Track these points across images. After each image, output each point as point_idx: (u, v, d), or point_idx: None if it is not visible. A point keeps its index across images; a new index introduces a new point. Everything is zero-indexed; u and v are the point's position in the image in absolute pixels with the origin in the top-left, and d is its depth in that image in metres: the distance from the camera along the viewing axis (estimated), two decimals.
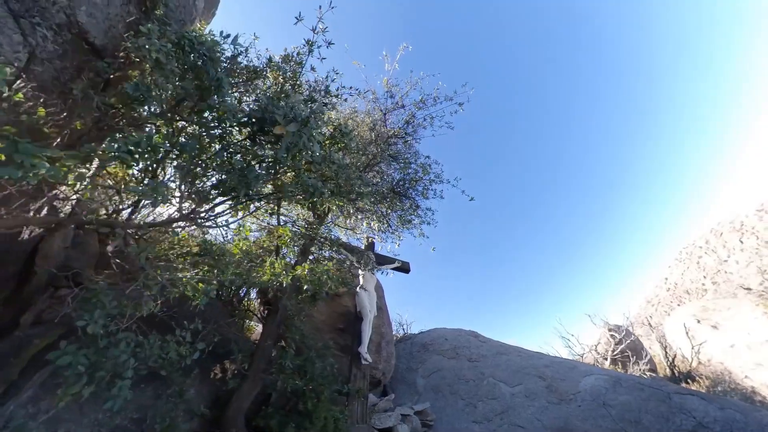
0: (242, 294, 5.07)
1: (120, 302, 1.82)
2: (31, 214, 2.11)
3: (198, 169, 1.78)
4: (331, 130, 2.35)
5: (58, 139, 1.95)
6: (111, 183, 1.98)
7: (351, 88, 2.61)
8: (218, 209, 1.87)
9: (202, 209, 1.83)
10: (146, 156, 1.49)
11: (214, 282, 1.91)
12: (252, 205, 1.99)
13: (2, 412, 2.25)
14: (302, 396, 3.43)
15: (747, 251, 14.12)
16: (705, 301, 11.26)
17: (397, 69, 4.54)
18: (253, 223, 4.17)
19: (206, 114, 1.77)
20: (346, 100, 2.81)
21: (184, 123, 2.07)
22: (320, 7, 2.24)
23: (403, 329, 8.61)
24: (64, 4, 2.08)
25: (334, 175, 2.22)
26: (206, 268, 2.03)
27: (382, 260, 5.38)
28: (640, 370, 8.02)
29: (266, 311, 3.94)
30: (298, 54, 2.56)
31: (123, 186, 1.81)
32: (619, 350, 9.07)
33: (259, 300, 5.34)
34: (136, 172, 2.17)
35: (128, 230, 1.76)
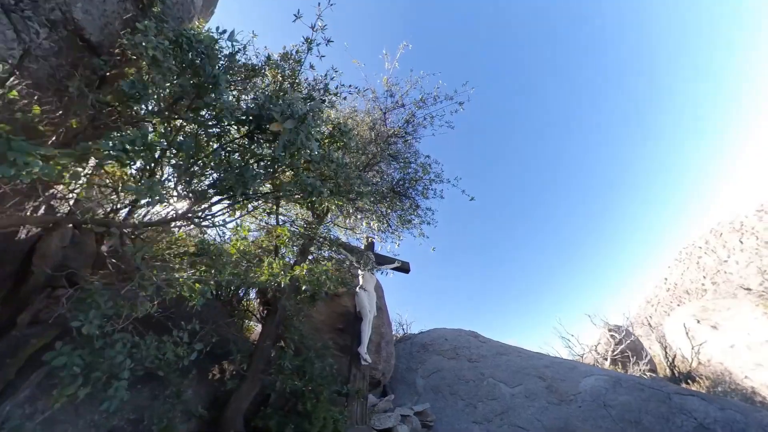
0: (241, 294, 5.04)
1: (116, 302, 1.80)
2: (28, 213, 2.09)
3: (195, 167, 1.75)
4: (330, 129, 2.33)
5: (54, 138, 1.93)
6: (108, 182, 1.95)
7: (350, 86, 2.59)
8: (215, 208, 1.85)
9: (199, 208, 1.80)
10: (142, 154, 1.47)
11: (212, 282, 1.89)
12: (250, 205, 1.97)
13: None
14: (301, 397, 3.41)
15: (747, 251, 14.12)
16: (705, 301, 11.25)
17: (397, 68, 4.52)
18: (252, 222, 4.15)
19: (204, 112, 1.75)
20: (345, 98, 2.79)
21: (182, 122, 2.05)
22: (319, 4, 2.21)
23: (403, 329, 8.60)
24: (59, 1, 2.05)
25: (333, 174, 2.19)
26: (203, 268, 2.00)
27: (382, 260, 5.36)
28: (640, 370, 8.01)
29: (265, 311, 3.92)
30: (297, 52, 2.54)
31: (120, 185, 1.79)
32: (619, 350, 9.06)
33: (258, 300, 5.32)
34: (134, 171, 2.15)
35: (124, 230, 1.73)
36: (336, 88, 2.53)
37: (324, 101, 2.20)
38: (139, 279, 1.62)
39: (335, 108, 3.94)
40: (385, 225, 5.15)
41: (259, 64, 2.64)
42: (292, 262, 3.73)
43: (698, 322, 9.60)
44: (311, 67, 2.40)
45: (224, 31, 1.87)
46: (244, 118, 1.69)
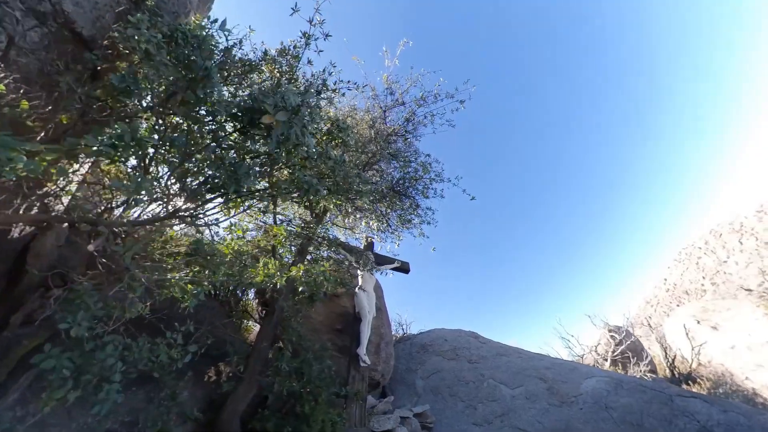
0: (240, 294, 4.99)
1: (106, 304, 1.74)
2: (21, 211, 2.03)
3: (188, 164, 1.70)
4: (328, 126, 2.27)
5: (42, 134, 1.87)
6: (97, 179, 1.89)
7: (349, 82, 2.54)
8: (208, 207, 1.79)
9: (192, 207, 1.75)
10: (131, 150, 1.41)
11: (205, 283, 1.84)
12: (244, 203, 1.91)
13: None
14: (299, 399, 3.36)
15: (746, 252, 14.12)
16: (705, 301, 11.22)
17: (397, 65, 4.46)
18: (250, 222, 4.09)
19: (197, 108, 1.69)
20: (344, 94, 2.73)
21: (178, 119, 1.99)
22: None
23: (403, 329, 8.54)
24: None
25: (331, 172, 2.13)
26: (197, 268, 1.95)
27: (382, 260, 5.30)
28: (640, 371, 7.97)
29: (264, 312, 3.86)
30: (294, 47, 2.48)
31: (106, 182, 1.73)
32: (619, 351, 9.03)
33: (257, 300, 5.26)
34: (129, 169, 2.09)
35: (114, 228, 1.67)
36: (335, 83, 2.47)
37: (320, 93, 2.14)
38: (128, 279, 1.56)
39: (333, 105, 3.88)
40: (385, 225, 5.09)
41: (256, 60, 2.59)
42: (290, 262, 3.67)
43: (698, 322, 9.57)
44: (309, 62, 2.35)
45: (215, 21, 1.81)
46: (236, 112, 1.62)
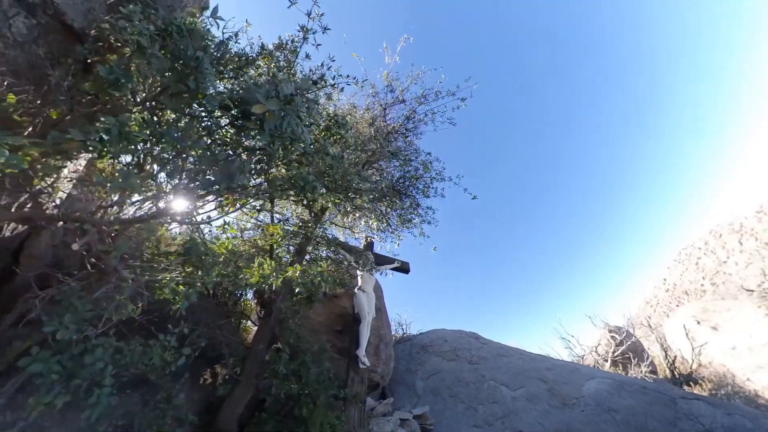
0: (239, 294, 4.92)
1: (96, 305, 1.68)
2: (13, 209, 1.96)
3: (178, 160, 1.63)
4: (327, 122, 2.21)
5: (30, 128, 1.80)
6: (86, 177, 1.82)
7: (348, 76, 2.47)
8: (203, 205, 1.73)
9: (183, 204, 1.68)
10: (120, 145, 1.35)
11: (198, 284, 1.77)
12: (238, 201, 1.85)
13: None
14: (297, 401, 3.29)
15: (746, 253, 14.10)
16: (705, 302, 11.19)
17: (397, 62, 4.39)
18: (248, 221, 4.03)
19: (188, 100, 1.62)
20: (342, 89, 2.67)
21: (168, 112, 1.92)
22: None
23: (402, 329, 8.49)
24: None
25: (329, 169, 2.07)
26: (190, 269, 1.88)
27: (382, 260, 5.24)
28: (641, 372, 7.93)
29: (262, 312, 3.80)
30: (292, 41, 2.41)
31: (94, 179, 1.66)
32: (619, 352, 8.99)
33: (255, 300, 5.20)
34: (123, 166, 2.02)
35: (104, 227, 1.61)
36: (333, 78, 2.41)
37: (316, 83, 2.07)
38: (116, 280, 1.50)
39: (332, 100, 3.81)
40: (385, 224, 5.03)
41: (253, 55, 2.52)
42: (288, 261, 3.61)
43: (698, 323, 9.53)
44: (307, 56, 2.28)
45: (206, 7, 1.74)
46: (228, 104, 1.56)
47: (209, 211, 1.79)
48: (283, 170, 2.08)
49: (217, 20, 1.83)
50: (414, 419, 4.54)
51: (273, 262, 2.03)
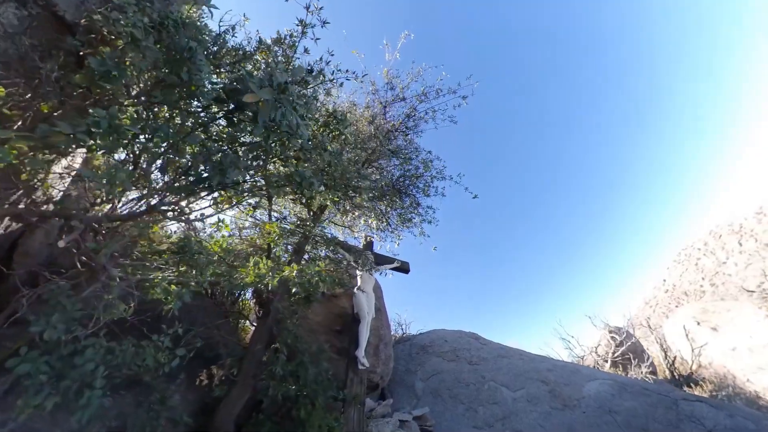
0: (237, 294, 4.86)
1: (87, 304, 1.63)
2: (6, 205, 1.91)
3: (171, 155, 1.58)
4: (325, 117, 2.16)
5: (20, 122, 1.75)
6: (72, 171, 1.77)
7: (347, 71, 2.42)
8: (196, 201, 1.68)
9: (174, 200, 1.63)
10: (109, 139, 1.29)
11: (192, 283, 1.72)
12: (233, 198, 1.80)
13: None
14: (295, 403, 3.24)
15: (746, 253, 14.10)
16: (704, 303, 11.16)
17: (398, 59, 4.34)
18: (246, 220, 3.97)
19: (180, 92, 1.56)
20: (341, 84, 2.62)
21: (167, 112, 1.86)
22: None
23: (402, 329, 8.44)
24: None
25: (328, 166, 2.02)
26: (184, 267, 1.83)
27: (381, 260, 5.19)
28: (642, 373, 7.89)
29: (261, 312, 3.75)
30: (291, 36, 2.36)
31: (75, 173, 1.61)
32: (619, 352, 8.95)
33: (254, 300, 5.14)
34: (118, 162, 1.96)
35: (94, 224, 1.55)
36: (332, 73, 2.36)
37: (312, 71, 2.02)
38: (105, 279, 1.44)
39: (331, 95, 3.76)
40: (385, 223, 4.98)
41: (251, 50, 2.46)
42: (286, 261, 3.55)
43: (698, 324, 9.51)
44: (306, 51, 2.23)
45: None
46: (222, 96, 1.50)
47: (204, 208, 1.75)
48: (281, 167, 2.03)
49: (211, 9, 1.78)
50: (414, 420, 4.49)
51: (269, 262, 1.98)
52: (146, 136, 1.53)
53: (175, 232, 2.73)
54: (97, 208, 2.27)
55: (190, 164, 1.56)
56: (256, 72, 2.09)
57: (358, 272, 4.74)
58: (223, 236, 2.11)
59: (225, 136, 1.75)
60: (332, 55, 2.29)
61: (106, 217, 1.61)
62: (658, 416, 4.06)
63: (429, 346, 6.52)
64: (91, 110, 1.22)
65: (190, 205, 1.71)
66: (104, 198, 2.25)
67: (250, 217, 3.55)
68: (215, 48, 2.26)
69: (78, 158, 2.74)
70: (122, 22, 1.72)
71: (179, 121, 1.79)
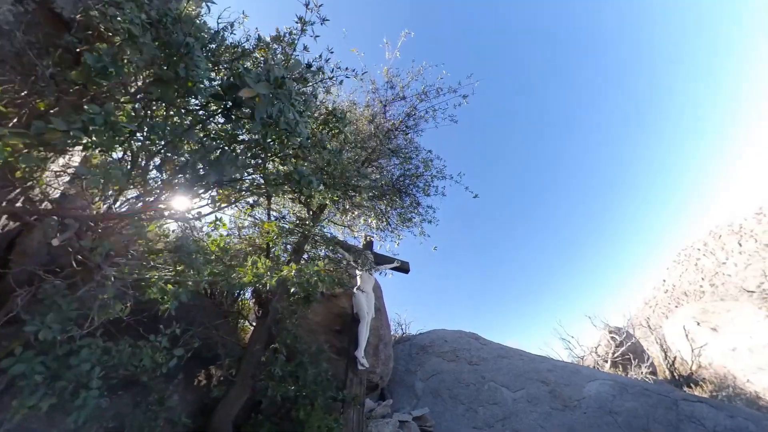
0: (236, 294, 4.84)
1: (83, 304, 1.60)
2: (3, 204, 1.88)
3: (168, 152, 1.56)
4: (324, 115, 2.14)
5: (15, 119, 1.72)
6: (65, 169, 1.75)
7: (347, 69, 2.40)
8: (195, 199, 1.65)
9: (170, 198, 1.61)
10: (105, 136, 1.27)
11: (189, 283, 1.70)
12: (232, 196, 1.78)
13: None
14: (294, 403, 3.22)
15: (745, 254, 14.10)
16: (704, 303, 11.16)
17: (398, 57, 4.32)
18: (245, 219, 3.95)
19: (176, 88, 1.54)
20: (341, 82, 2.59)
21: (164, 111, 1.84)
22: None
23: (402, 329, 8.42)
24: None
25: (327, 164, 2.00)
26: (181, 267, 1.81)
27: (381, 260, 5.17)
28: (642, 373, 7.88)
29: (260, 312, 3.73)
30: (290, 34, 2.34)
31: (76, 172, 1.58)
32: (619, 353, 8.94)
33: (253, 300, 5.12)
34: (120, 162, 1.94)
35: (90, 222, 1.53)
36: (332, 70, 2.34)
37: (310, 66, 2.00)
38: (100, 278, 1.42)
39: (330, 93, 3.74)
40: (385, 223, 4.95)
41: (250, 48, 2.44)
42: (285, 260, 3.53)
43: (698, 324, 9.50)
44: (305, 48, 2.21)
45: None
46: (218, 92, 1.48)
47: (201, 206, 1.73)
48: (280, 165, 2.01)
49: (209, 3, 1.76)
50: (413, 421, 4.48)
51: (268, 261, 1.95)
52: (143, 133, 1.51)
53: (172, 231, 2.72)
54: (93, 206, 2.25)
55: (189, 162, 1.54)
56: (255, 68, 2.07)
57: (357, 272, 4.72)
58: (221, 235, 2.09)
59: (223, 133, 1.73)
60: (332, 52, 2.28)
61: (101, 216, 1.59)
62: (658, 417, 4.04)
63: (429, 346, 6.51)
64: (86, 107, 1.20)
65: (188, 204, 1.69)
66: (101, 196, 2.23)
67: (249, 216, 3.53)
68: (213, 45, 2.24)
69: (76, 156, 2.72)
70: (119, 18, 1.70)
71: (177, 119, 1.77)
